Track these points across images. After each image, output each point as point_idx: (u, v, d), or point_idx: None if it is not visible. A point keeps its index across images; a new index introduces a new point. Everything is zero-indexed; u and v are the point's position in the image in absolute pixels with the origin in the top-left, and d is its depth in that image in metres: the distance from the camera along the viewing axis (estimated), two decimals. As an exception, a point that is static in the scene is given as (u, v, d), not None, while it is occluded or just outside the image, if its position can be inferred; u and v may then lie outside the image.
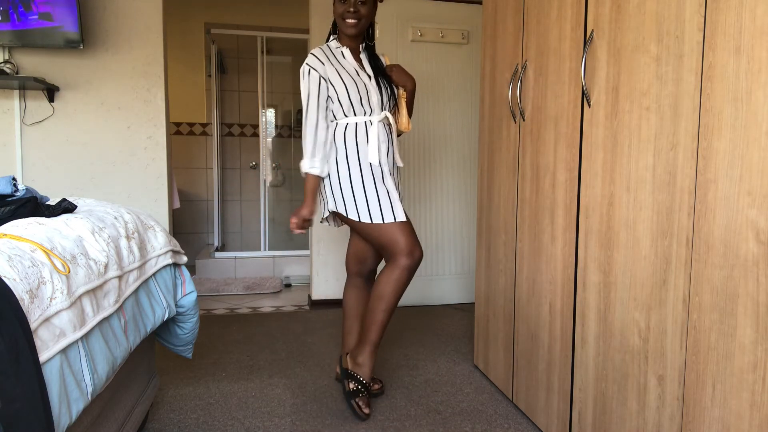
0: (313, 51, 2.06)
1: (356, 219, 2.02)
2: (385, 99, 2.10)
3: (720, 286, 1.13)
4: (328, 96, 2.03)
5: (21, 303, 0.93)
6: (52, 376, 1.00)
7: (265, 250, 4.80)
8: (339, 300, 3.50)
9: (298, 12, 4.96)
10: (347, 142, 2.03)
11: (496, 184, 2.26)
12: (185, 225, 5.07)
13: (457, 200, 3.63)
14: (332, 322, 3.21)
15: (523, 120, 1.99)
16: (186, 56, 4.95)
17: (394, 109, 2.20)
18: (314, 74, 2.01)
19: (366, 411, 1.98)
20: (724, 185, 1.11)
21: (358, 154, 2.03)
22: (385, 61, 2.20)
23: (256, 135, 5.19)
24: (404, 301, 3.57)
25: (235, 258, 4.48)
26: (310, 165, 2.02)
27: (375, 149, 2.02)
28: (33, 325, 0.96)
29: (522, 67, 1.99)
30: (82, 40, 2.86)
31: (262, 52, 4.90)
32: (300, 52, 5.14)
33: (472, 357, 2.64)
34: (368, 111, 2.05)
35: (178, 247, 1.84)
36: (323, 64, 2.02)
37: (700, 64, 1.17)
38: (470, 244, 3.67)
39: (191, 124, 5.02)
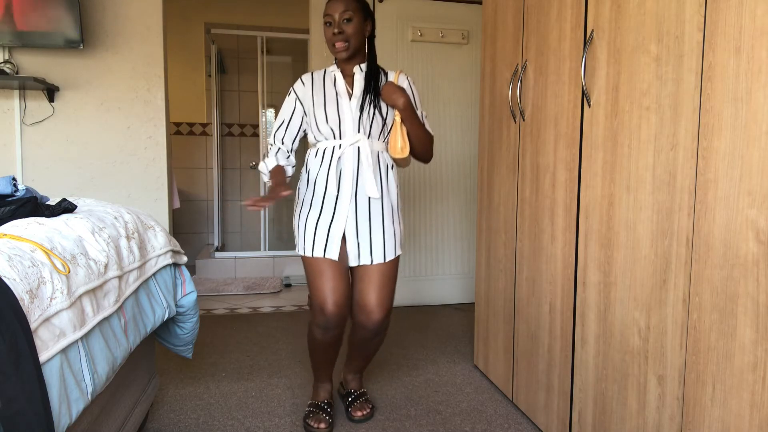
0: (303, 76, 1.98)
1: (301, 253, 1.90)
2: (365, 122, 1.85)
3: (720, 286, 1.13)
4: (304, 122, 1.94)
5: (21, 303, 0.93)
6: (52, 376, 1.00)
7: (265, 250, 4.80)
8: (339, 300, 3.49)
9: (298, 12, 4.95)
10: (310, 168, 1.92)
11: (496, 184, 2.26)
12: (185, 225, 5.06)
13: (457, 200, 3.63)
14: (332, 322, 3.21)
15: (523, 120, 1.99)
16: (186, 56, 4.96)
17: (391, 133, 1.93)
18: (291, 96, 1.96)
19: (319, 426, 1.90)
20: (724, 185, 1.11)
21: (316, 180, 1.88)
22: (394, 78, 1.94)
23: (256, 135, 5.19)
24: (404, 301, 3.57)
25: (235, 258, 4.48)
26: (272, 161, 1.92)
27: (324, 173, 1.86)
28: (33, 325, 0.96)
29: (522, 67, 1.99)
30: (82, 40, 2.86)
31: (262, 52, 4.90)
32: (300, 52, 5.14)
33: (472, 357, 2.64)
34: (339, 135, 1.86)
35: (178, 247, 1.84)
36: (305, 86, 1.94)
37: (700, 64, 1.17)
38: (470, 244, 3.67)
39: (191, 124, 5.02)
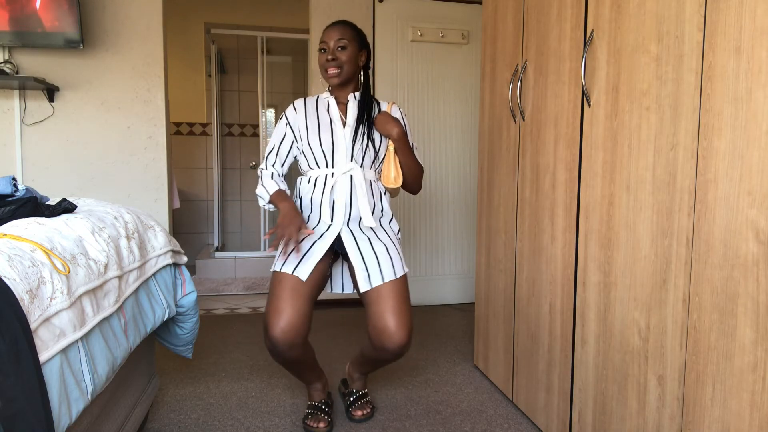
0: (296, 102, 1.96)
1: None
2: (357, 151, 1.85)
3: (720, 286, 1.13)
4: (294, 149, 1.93)
5: (21, 303, 0.93)
6: (52, 376, 1.00)
7: (265, 250, 4.79)
8: (339, 300, 3.50)
9: (298, 12, 4.96)
10: (302, 195, 1.91)
11: (496, 184, 2.26)
12: (185, 225, 5.07)
13: (456, 200, 3.63)
14: (332, 322, 3.21)
15: (523, 120, 1.99)
16: (186, 56, 4.96)
17: (380, 163, 1.95)
18: (282, 121, 1.94)
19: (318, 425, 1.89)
20: (724, 185, 1.11)
21: (311, 206, 1.88)
22: (388, 108, 1.96)
23: (256, 135, 5.19)
24: (404, 301, 3.57)
25: (235, 258, 4.48)
26: (271, 187, 1.88)
27: (317, 201, 1.86)
28: (33, 325, 0.96)
29: (522, 67, 1.99)
30: (82, 40, 2.86)
31: (262, 52, 4.90)
32: (300, 52, 5.14)
33: (472, 357, 2.64)
34: (332, 163, 1.86)
35: (178, 247, 1.84)
36: (296, 113, 1.92)
37: (700, 64, 1.17)
38: (470, 244, 3.67)
39: (191, 124, 5.02)
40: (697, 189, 1.18)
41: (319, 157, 1.87)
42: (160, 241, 1.71)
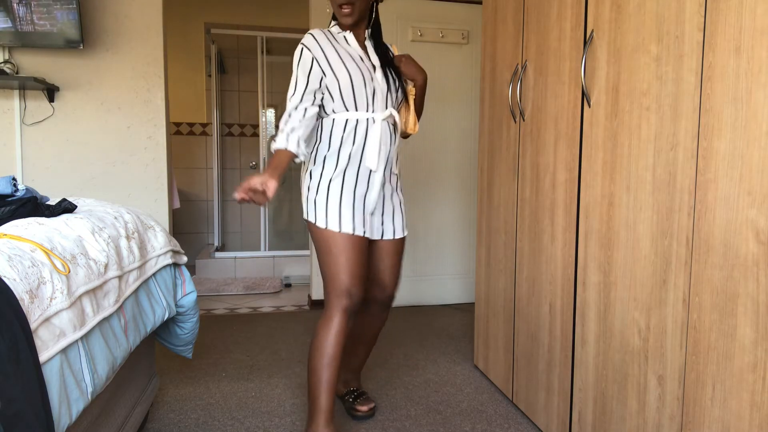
0: (311, 30, 1.78)
1: (306, 218, 1.77)
2: (392, 93, 1.80)
3: (720, 286, 1.13)
4: (323, 85, 1.74)
5: (21, 303, 0.93)
6: (52, 376, 1.00)
7: (265, 250, 4.80)
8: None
9: (298, 12, 4.96)
10: (343, 140, 1.75)
11: (496, 184, 2.26)
12: (185, 225, 5.07)
13: (457, 200, 3.63)
14: (332, 322, 3.21)
15: (523, 120, 1.99)
16: (186, 56, 4.95)
17: (401, 107, 1.91)
18: (307, 55, 1.73)
19: None
20: (724, 185, 1.11)
21: (350, 156, 1.75)
22: (394, 51, 1.94)
23: (256, 135, 5.19)
24: (404, 301, 3.57)
25: (235, 258, 4.48)
26: (283, 142, 1.68)
27: (375, 153, 1.74)
28: (33, 325, 0.96)
29: (522, 67, 1.99)
30: (82, 40, 2.86)
31: (262, 52, 4.90)
32: (300, 52, 5.13)
33: (472, 357, 2.64)
34: (371, 106, 1.75)
35: (178, 247, 1.84)
36: (320, 46, 1.74)
37: (700, 64, 1.17)
38: (470, 244, 3.67)
39: (191, 124, 5.02)
40: (697, 189, 1.18)
41: (360, 100, 1.74)
42: (160, 241, 1.71)
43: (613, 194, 1.47)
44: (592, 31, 1.55)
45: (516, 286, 2.08)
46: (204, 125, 5.04)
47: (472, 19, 3.55)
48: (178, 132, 5.00)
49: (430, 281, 3.64)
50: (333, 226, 1.72)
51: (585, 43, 1.58)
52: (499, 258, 2.23)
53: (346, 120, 1.76)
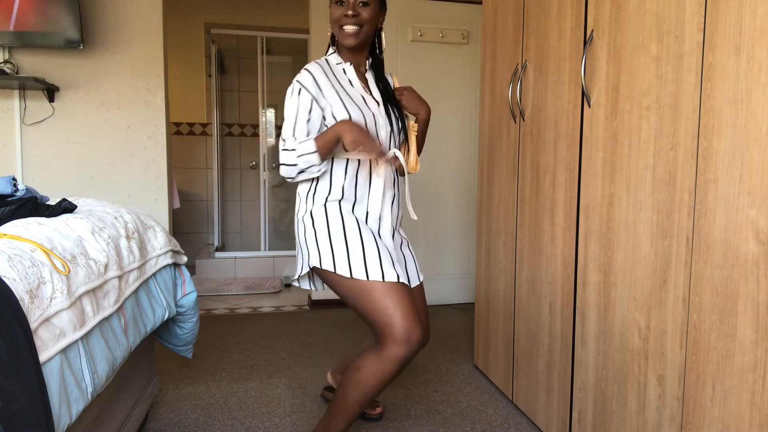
0: (308, 66, 1.61)
1: (331, 269, 1.53)
2: (395, 135, 1.66)
3: (720, 286, 1.13)
4: (323, 127, 1.59)
5: (21, 303, 0.93)
6: (52, 376, 1.00)
7: (265, 250, 4.80)
8: (339, 300, 3.50)
9: (298, 12, 4.96)
10: (337, 187, 1.60)
11: (496, 184, 2.26)
12: (185, 225, 5.07)
13: (457, 200, 3.63)
14: (332, 322, 3.21)
15: (523, 120, 1.99)
16: (186, 56, 4.95)
17: (403, 145, 1.74)
18: (305, 95, 1.56)
19: None
20: (724, 185, 1.11)
21: (355, 202, 1.61)
22: (394, 82, 1.78)
23: (256, 135, 5.19)
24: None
25: (235, 258, 4.48)
26: (311, 146, 1.52)
27: (379, 197, 1.61)
28: (33, 325, 0.96)
29: (522, 67, 1.99)
30: (82, 40, 2.86)
31: (262, 52, 4.90)
32: (300, 52, 5.13)
33: (472, 357, 2.64)
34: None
35: (178, 247, 1.84)
36: (318, 85, 1.58)
37: (700, 64, 1.17)
38: (470, 244, 3.67)
39: (191, 124, 5.03)
40: (697, 189, 1.18)
41: None
42: (160, 241, 1.71)
43: (613, 194, 1.47)
44: (592, 31, 1.55)
45: (516, 286, 2.08)
46: (204, 125, 5.04)
47: (472, 19, 3.55)
48: (178, 132, 5.00)
49: (430, 281, 3.64)
50: (374, 276, 1.50)
51: (585, 43, 1.58)
52: (499, 258, 2.23)
53: (344, 162, 1.61)
